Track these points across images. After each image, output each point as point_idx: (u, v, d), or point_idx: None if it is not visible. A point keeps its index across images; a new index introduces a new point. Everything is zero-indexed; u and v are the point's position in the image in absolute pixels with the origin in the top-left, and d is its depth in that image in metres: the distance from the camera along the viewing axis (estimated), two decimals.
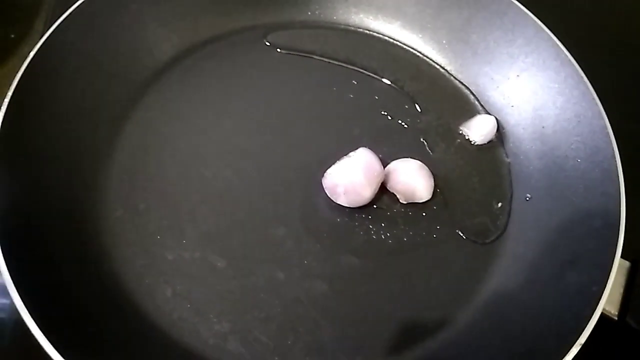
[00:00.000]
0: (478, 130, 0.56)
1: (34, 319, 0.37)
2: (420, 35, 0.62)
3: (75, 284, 0.44)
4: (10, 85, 0.46)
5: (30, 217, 0.44)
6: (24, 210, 0.44)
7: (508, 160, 0.55)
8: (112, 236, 0.48)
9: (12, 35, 0.65)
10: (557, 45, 0.54)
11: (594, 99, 0.51)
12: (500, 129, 0.57)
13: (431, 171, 0.52)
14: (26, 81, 0.47)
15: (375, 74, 0.60)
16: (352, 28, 0.63)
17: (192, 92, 0.56)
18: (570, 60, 0.53)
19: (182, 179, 0.51)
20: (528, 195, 0.52)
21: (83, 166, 0.50)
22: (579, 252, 0.46)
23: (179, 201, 0.50)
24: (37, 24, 0.66)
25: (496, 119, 0.57)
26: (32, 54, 0.48)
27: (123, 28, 0.55)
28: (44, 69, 0.49)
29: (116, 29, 0.54)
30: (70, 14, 0.51)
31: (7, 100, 0.45)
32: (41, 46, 0.49)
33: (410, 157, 0.53)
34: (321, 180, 0.50)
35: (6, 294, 0.44)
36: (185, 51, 0.59)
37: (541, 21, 0.55)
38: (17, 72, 0.47)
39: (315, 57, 0.60)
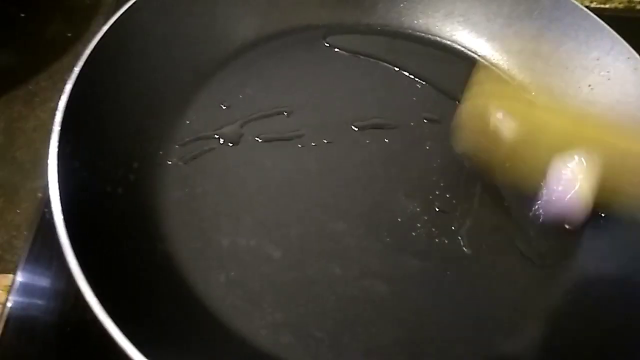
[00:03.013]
0: None
1: (92, 290, 0.35)
2: (489, 45, 0.61)
3: (132, 261, 0.42)
4: (66, 79, 0.46)
5: (92, 189, 0.43)
6: (84, 184, 0.43)
7: None
8: (168, 217, 0.46)
9: (69, 34, 0.66)
10: (636, 57, 0.52)
11: None
12: None
13: None
14: (96, 57, 0.47)
15: (434, 83, 0.58)
16: (418, 34, 0.62)
17: (253, 84, 0.56)
18: None
19: (241, 166, 0.50)
20: (602, 210, 0.50)
21: (144, 146, 0.49)
22: None
23: (237, 188, 0.49)
24: (94, 25, 0.67)
25: None
26: (102, 31, 0.48)
27: (195, 15, 0.55)
28: (115, 46, 0.49)
29: (188, 15, 0.54)
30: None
31: (76, 73, 0.45)
32: (112, 24, 0.48)
33: None
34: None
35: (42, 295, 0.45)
36: (250, 45, 0.58)
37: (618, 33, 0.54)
38: (77, 61, 0.46)
39: (374, 59, 0.59)
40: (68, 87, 0.44)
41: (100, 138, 0.46)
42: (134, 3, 0.50)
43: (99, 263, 0.39)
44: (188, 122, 0.52)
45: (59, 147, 0.41)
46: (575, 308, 0.45)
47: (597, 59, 0.55)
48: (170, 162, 0.49)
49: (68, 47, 0.65)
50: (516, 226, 0.49)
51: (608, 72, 0.54)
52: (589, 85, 0.55)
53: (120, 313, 0.36)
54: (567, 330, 0.44)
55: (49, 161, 0.40)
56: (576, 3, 0.56)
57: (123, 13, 0.50)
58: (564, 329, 0.44)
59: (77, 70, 0.45)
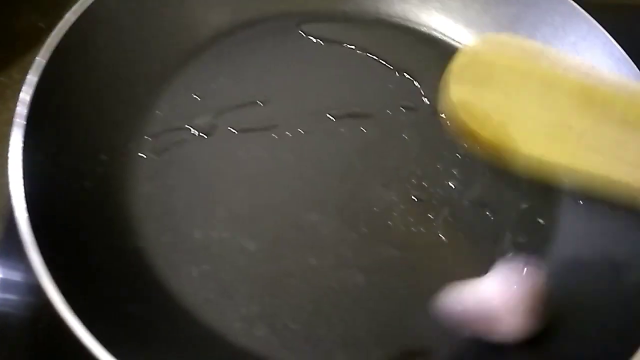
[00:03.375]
0: None
1: (58, 290, 0.34)
2: (466, 31, 0.60)
3: (98, 257, 0.41)
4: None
5: (57, 183, 0.42)
6: (50, 178, 0.42)
7: None
8: (139, 211, 0.45)
9: (41, 24, 0.64)
10: (612, 43, 0.52)
11: None
12: None
13: None
14: (62, 47, 0.45)
15: (411, 71, 0.57)
16: (395, 20, 0.61)
17: (227, 73, 0.54)
18: (626, 58, 0.50)
19: (214, 158, 0.49)
20: (580, 198, 0.49)
21: (113, 138, 0.48)
22: (635, 256, 0.43)
23: (210, 180, 0.48)
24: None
25: None
26: (67, 19, 0.46)
27: (165, 5, 0.53)
28: (82, 36, 0.47)
29: (158, 3, 0.53)
30: None
31: (42, 64, 0.44)
32: (81, 13, 0.47)
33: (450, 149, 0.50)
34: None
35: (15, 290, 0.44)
36: (223, 33, 0.57)
37: (596, 19, 0.53)
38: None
39: (350, 47, 0.58)
40: (32, 78, 0.43)
41: (67, 131, 0.45)
42: None
43: (65, 260, 0.38)
44: (159, 113, 0.51)
45: (24, 141, 0.40)
46: (556, 294, 0.44)
47: (574, 44, 0.54)
48: (140, 155, 0.48)
49: (40, 37, 0.63)
50: (494, 214, 0.49)
51: (584, 57, 0.53)
52: None
53: (87, 311, 0.35)
54: (549, 317, 0.43)
55: (10, 155, 0.38)
56: None
57: (91, 4, 0.48)
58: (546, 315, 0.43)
59: (42, 61, 0.44)
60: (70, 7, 0.63)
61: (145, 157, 0.48)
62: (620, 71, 0.51)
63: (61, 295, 0.34)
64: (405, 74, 0.57)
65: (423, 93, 0.56)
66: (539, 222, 0.49)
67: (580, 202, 0.49)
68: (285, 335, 0.41)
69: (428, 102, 0.55)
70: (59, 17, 0.64)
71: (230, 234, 0.45)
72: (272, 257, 0.44)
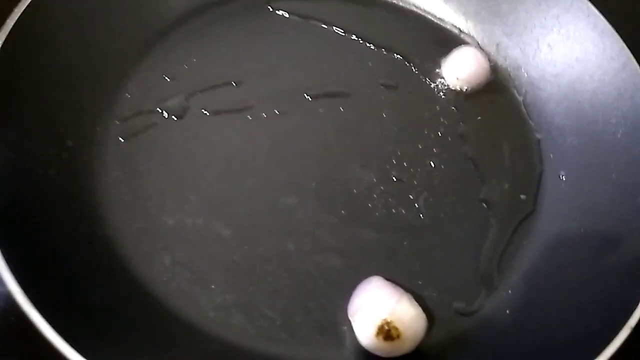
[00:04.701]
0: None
1: (18, 282, 0.33)
2: (446, 6, 0.58)
3: (64, 247, 0.39)
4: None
5: (20, 170, 0.40)
6: (12, 165, 0.40)
7: (539, 136, 0.51)
8: (108, 198, 0.44)
9: None
10: (596, 14, 0.50)
11: (635, 70, 0.47)
12: (530, 102, 0.53)
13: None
14: (20, 29, 0.43)
15: (390, 47, 0.55)
16: None
17: (199, 53, 0.52)
18: (610, 30, 0.49)
19: (187, 142, 0.47)
20: (562, 173, 0.48)
21: (79, 122, 0.46)
22: (621, 231, 0.42)
23: (183, 164, 0.46)
24: None
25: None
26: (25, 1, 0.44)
27: None
28: (42, 16, 0.45)
29: None
30: None
31: None
32: None
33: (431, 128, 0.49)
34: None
35: None
36: (194, 11, 0.55)
37: None
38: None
39: (327, 25, 0.56)
40: None
41: (29, 116, 0.43)
42: None
43: (28, 251, 0.36)
44: (128, 95, 0.49)
45: None
46: (539, 272, 0.44)
47: (557, 17, 0.53)
48: (109, 139, 0.46)
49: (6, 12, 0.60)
50: (476, 194, 0.47)
51: (567, 30, 0.52)
52: (548, 45, 0.53)
53: (50, 303, 0.34)
54: (532, 293, 0.42)
55: None
56: None
57: None
58: (529, 292, 0.43)
59: None
60: None
61: (114, 141, 0.46)
62: (604, 43, 0.49)
63: (21, 287, 0.33)
64: (383, 50, 0.55)
65: (402, 70, 0.54)
66: (521, 199, 0.48)
67: (562, 177, 0.48)
68: (262, 323, 0.40)
69: (407, 79, 0.53)
70: None
71: (204, 220, 0.44)
72: (248, 243, 0.43)
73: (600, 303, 0.38)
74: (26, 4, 0.44)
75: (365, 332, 0.37)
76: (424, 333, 0.38)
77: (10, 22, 0.43)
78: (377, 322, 0.36)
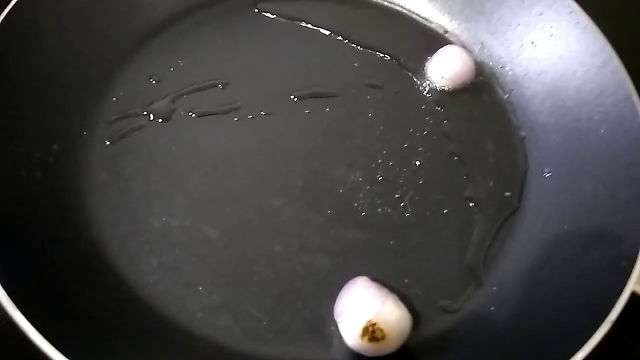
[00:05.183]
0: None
1: (4, 287, 0.33)
2: (430, 5, 0.58)
3: (51, 251, 0.40)
4: None
5: (4, 174, 0.40)
6: None
7: (523, 134, 0.52)
8: (94, 200, 0.44)
9: None
10: (579, 11, 0.51)
11: (618, 67, 0.47)
12: (514, 100, 0.53)
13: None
14: (4, 32, 0.43)
15: (375, 47, 0.55)
16: None
17: (185, 55, 0.52)
18: (592, 27, 0.49)
19: (173, 144, 0.48)
20: (547, 170, 0.49)
21: (65, 125, 0.46)
22: (604, 226, 0.42)
23: (169, 167, 0.46)
24: None
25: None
26: (12, 1, 0.44)
27: None
28: (25, 20, 0.45)
29: None
30: None
31: None
32: None
33: (416, 127, 0.49)
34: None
35: None
36: (180, 13, 0.55)
37: None
38: None
39: (313, 26, 0.56)
40: None
41: (14, 120, 0.43)
42: None
43: (13, 254, 0.36)
44: (114, 98, 0.49)
45: None
46: (524, 269, 0.44)
47: (540, 15, 0.53)
48: (95, 143, 0.46)
49: None
50: (462, 192, 0.48)
51: (551, 27, 0.52)
52: (532, 42, 0.53)
53: (35, 307, 0.34)
54: (517, 289, 0.43)
55: None
56: None
57: None
58: (514, 289, 0.43)
59: None
60: None
61: (100, 144, 0.47)
62: (586, 40, 0.50)
63: (7, 290, 0.33)
64: (369, 50, 0.55)
65: (388, 69, 0.54)
66: (506, 196, 0.48)
67: (546, 174, 0.48)
68: (249, 323, 0.40)
69: (393, 79, 0.54)
70: None
71: (191, 221, 0.44)
72: (235, 244, 0.43)
73: (584, 298, 0.38)
74: (11, 6, 0.44)
75: (350, 334, 0.37)
76: (409, 333, 0.38)
77: None
78: (362, 324, 0.36)
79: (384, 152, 0.49)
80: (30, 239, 0.39)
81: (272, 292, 0.41)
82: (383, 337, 0.36)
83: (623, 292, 0.36)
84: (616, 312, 0.35)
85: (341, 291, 0.40)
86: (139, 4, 0.53)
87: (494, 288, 0.43)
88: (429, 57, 0.55)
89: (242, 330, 0.40)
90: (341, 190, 0.46)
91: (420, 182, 0.48)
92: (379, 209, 0.46)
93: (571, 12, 0.51)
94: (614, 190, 0.43)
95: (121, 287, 0.40)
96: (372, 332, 0.36)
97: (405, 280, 0.42)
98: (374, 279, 0.41)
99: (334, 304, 0.40)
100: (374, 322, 0.36)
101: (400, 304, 0.38)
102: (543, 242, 0.45)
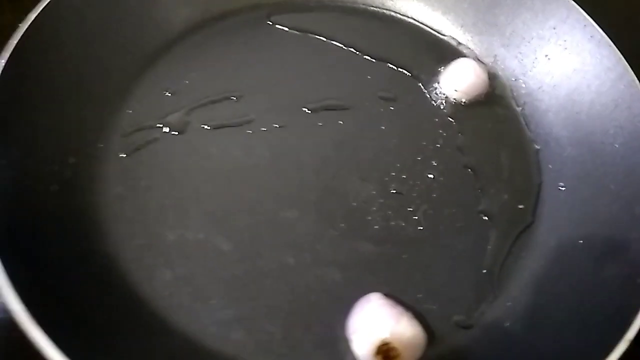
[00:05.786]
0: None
1: (19, 299, 0.33)
2: (444, 18, 0.58)
3: (66, 263, 0.40)
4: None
5: (22, 188, 0.41)
6: (15, 182, 0.41)
7: (537, 147, 0.51)
8: (109, 214, 0.44)
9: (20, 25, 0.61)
10: (592, 25, 0.50)
11: (632, 81, 0.47)
12: (528, 113, 0.53)
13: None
14: (23, 46, 0.44)
15: (389, 59, 0.56)
16: (372, 8, 0.60)
17: (199, 68, 0.53)
18: (606, 41, 0.49)
19: (187, 156, 0.48)
20: (561, 184, 0.48)
21: (81, 138, 0.46)
22: (619, 242, 0.42)
23: (184, 179, 0.47)
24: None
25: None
26: (32, 17, 0.45)
27: None
28: (45, 34, 0.45)
29: None
30: None
31: (1, 64, 0.42)
32: (42, 10, 0.45)
33: (430, 140, 0.49)
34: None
35: None
36: (195, 26, 0.55)
37: (575, 1, 0.52)
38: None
39: (326, 38, 0.57)
40: None
41: (32, 133, 0.43)
42: None
43: (29, 267, 0.37)
44: (130, 111, 0.50)
45: None
46: (538, 284, 0.44)
47: (554, 28, 0.53)
48: (111, 155, 0.47)
49: None
50: (475, 206, 0.47)
51: (565, 41, 0.52)
52: (546, 56, 0.53)
53: (52, 320, 0.34)
54: (531, 305, 0.42)
55: None
56: None
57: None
58: (528, 304, 0.43)
59: (2, 61, 0.42)
60: None
61: (115, 157, 0.47)
62: (601, 54, 0.49)
63: (23, 303, 0.33)
64: (383, 62, 0.55)
65: (401, 82, 0.54)
66: (520, 210, 0.48)
67: (561, 187, 0.48)
68: (262, 337, 0.40)
69: (406, 91, 0.54)
70: None
71: (205, 234, 0.44)
72: (248, 257, 0.43)
73: (600, 315, 0.38)
74: (29, 22, 0.44)
75: (364, 352, 0.37)
76: (422, 351, 0.38)
77: (14, 40, 0.43)
78: (376, 343, 0.36)
79: (397, 165, 0.49)
80: (46, 251, 0.39)
81: (285, 306, 0.41)
82: (397, 357, 0.36)
83: (639, 311, 0.36)
84: (633, 330, 0.35)
85: (355, 308, 0.40)
86: (155, 18, 0.53)
87: (508, 303, 0.43)
88: (442, 70, 0.55)
89: (255, 344, 0.40)
90: (354, 204, 0.46)
91: (434, 195, 0.48)
92: (392, 223, 0.46)
93: (585, 25, 0.51)
94: (629, 206, 0.43)
95: (135, 300, 0.40)
96: (385, 352, 0.36)
97: (419, 295, 0.42)
98: (388, 294, 0.41)
99: (346, 318, 0.40)
100: (387, 341, 0.36)
101: (415, 322, 0.38)
102: (558, 256, 0.44)
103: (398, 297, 0.41)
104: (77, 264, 0.40)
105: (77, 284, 0.39)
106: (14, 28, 0.60)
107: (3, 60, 0.42)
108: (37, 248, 0.39)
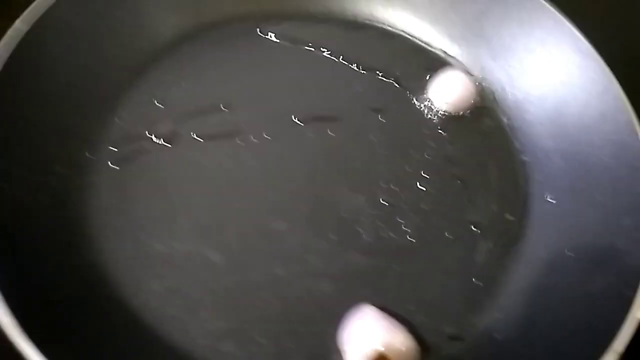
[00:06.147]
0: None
1: (6, 310, 0.33)
2: (432, 29, 0.59)
3: (53, 273, 0.39)
4: None
5: (7, 198, 0.40)
6: (2, 191, 0.40)
7: (525, 158, 0.52)
8: (97, 223, 0.43)
9: None
10: (579, 38, 0.51)
11: (619, 93, 0.48)
12: (515, 124, 0.53)
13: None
14: (12, 55, 0.43)
15: (378, 71, 0.56)
16: (361, 20, 0.60)
17: (189, 77, 0.53)
18: (592, 54, 0.50)
19: (177, 167, 0.48)
20: (548, 195, 0.49)
21: (70, 149, 0.46)
22: (607, 253, 0.42)
23: (173, 190, 0.46)
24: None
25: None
26: (16, 27, 0.44)
27: (121, 8, 0.51)
28: (31, 45, 0.45)
29: (114, 8, 0.51)
30: None
31: None
32: (28, 19, 0.45)
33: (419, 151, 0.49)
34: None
35: None
36: (185, 36, 0.55)
37: (562, 13, 0.52)
38: None
39: (316, 49, 0.57)
40: None
41: (17, 142, 0.43)
42: None
43: (16, 278, 0.36)
44: (118, 120, 0.49)
45: None
46: (528, 295, 0.44)
47: (540, 40, 0.54)
48: (99, 165, 0.46)
49: None
50: (465, 217, 0.48)
51: (551, 53, 0.53)
52: (533, 67, 0.54)
53: (38, 332, 0.33)
54: (521, 316, 0.43)
55: None
56: None
57: (42, 4, 0.46)
58: (518, 315, 0.43)
59: None
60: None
61: (103, 166, 0.46)
62: (587, 66, 0.50)
63: (10, 314, 0.33)
64: (372, 73, 0.56)
65: (391, 93, 0.55)
66: (509, 221, 0.48)
67: (549, 198, 0.49)
68: (253, 350, 0.40)
69: (396, 103, 0.54)
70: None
71: (194, 245, 0.44)
72: (238, 268, 0.43)
73: (588, 326, 0.39)
74: (18, 32, 0.44)
75: None
76: None
77: (2, 51, 0.43)
78: (370, 354, 0.36)
79: (387, 176, 0.49)
80: (33, 262, 0.38)
81: (276, 317, 0.41)
82: None
83: (626, 322, 0.36)
84: (622, 342, 0.35)
85: (347, 319, 0.40)
86: (144, 27, 0.53)
87: (499, 315, 0.43)
88: (431, 81, 0.55)
89: (245, 356, 0.39)
90: (344, 215, 0.47)
91: (423, 206, 0.48)
92: (382, 234, 0.46)
93: (572, 37, 0.52)
94: (616, 217, 0.43)
95: (124, 312, 0.40)
96: None
97: (410, 307, 0.42)
98: (379, 306, 0.41)
99: (337, 330, 0.40)
100: (382, 353, 0.36)
101: (407, 335, 0.38)
102: (546, 267, 0.45)
103: (389, 309, 0.41)
104: (65, 275, 0.40)
105: (65, 295, 0.38)
106: (2, 34, 0.60)
107: None
108: (23, 259, 0.38)
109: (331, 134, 0.51)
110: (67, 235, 0.42)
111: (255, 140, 0.50)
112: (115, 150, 0.48)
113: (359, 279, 0.44)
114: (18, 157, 0.42)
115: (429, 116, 0.54)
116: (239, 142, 0.50)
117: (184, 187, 0.47)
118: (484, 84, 0.56)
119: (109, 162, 0.47)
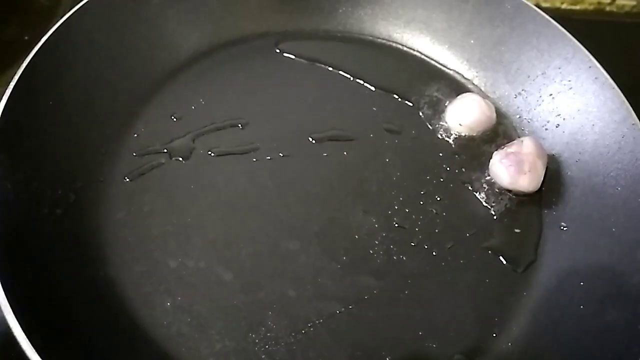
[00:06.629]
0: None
1: (18, 321, 0.33)
2: (450, 52, 0.59)
3: (66, 287, 0.40)
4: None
5: (26, 212, 0.41)
6: (20, 203, 0.41)
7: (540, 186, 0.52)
8: (111, 238, 0.44)
9: (26, 37, 0.62)
10: (597, 67, 0.51)
11: (635, 123, 0.47)
12: None
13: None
14: (33, 69, 0.44)
15: (395, 92, 0.56)
16: (379, 40, 0.60)
17: (206, 94, 0.53)
18: (610, 83, 0.50)
19: (191, 183, 0.48)
20: (563, 224, 0.48)
21: (87, 162, 0.47)
22: (621, 286, 0.42)
23: (187, 206, 0.47)
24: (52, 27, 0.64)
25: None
26: (42, 40, 0.45)
27: (142, 23, 0.53)
28: (54, 57, 0.46)
29: (135, 23, 0.52)
30: (88, 2, 0.48)
31: (11, 87, 0.42)
32: (53, 32, 0.46)
33: (433, 174, 0.49)
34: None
35: None
36: (203, 53, 0.56)
37: (581, 43, 0.52)
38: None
39: (333, 68, 0.57)
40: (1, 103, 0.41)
41: (38, 156, 0.43)
42: (77, 9, 0.48)
43: (30, 290, 0.37)
44: (136, 135, 0.50)
45: None
46: (539, 325, 0.43)
47: (559, 68, 0.54)
48: (115, 179, 0.47)
49: (25, 50, 0.61)
50: (476, 241, 0.48)
51: (569, 81, 0.53)
52: (550, 95, 0.54)
53: (49, 346, 0.33)
54: (532, 346, 0.42)
55: None
56: (538, 10, 0.55)
57: (65, 20, 0.47)
58: (528, 344, 0.42)
59: (12, 85, 0.42)
60: (57, 19, 0.62)
61: (120, 181, 0.47)
62: (605, 95, 0.50)
63: (22, 326, 0.33)
64: (388, 94, 0.56)
65: (406, 115, 0.55)
66: (523, 248, 0.48)
67: (563, 228, 0.48)
68: None
69: (411, 124, 0.54)
70: (45, 29, 0.63)
71: (206, 263, 0.44)
72: (249, 288, 0.43)
73: (599, 358, 0.38)
74: (38, 47, 0.45)
75: None
76: None
77: (23, 64, 0.44)
78: None
79: (401, 198, 0.49)
80: (48, 275, 0.39)
81: (285, 339, 0.41)
82: None
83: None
84: None
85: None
86: (164, 43, 0.54)
87: (509, 344, 0.42)
88: (447, 104, 0.55)
89: None
90: (357, 237, 0.46)
91: (436, 230, 0.48)
92: (394, 257, 0.46)
93: (590, 67, 0.51)
94: (631, 250, 0.43)
95: (134, 327, 0.40)
96: None
97: (420, 332, 0.42)
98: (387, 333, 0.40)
99: (346, 354, 0.40)
100: None
101: None
102: (559, 297, 0.44)
103: (398, 334, 0.41)
104: (78, 288, 0.40)
105: (77, 308, 0.39)
106: (21, 41, 0.61)
107: (13, 83, 0.42)
108: (37, 271, 0.38)
109: (346, 154, 0.51)
110: (81, 249, 0.42)
111: (270, 159, 0.50)
112: (132, 164, 0.48)
113: (369, 302, 0.43)
114: (39, 171, 0.43)
115: (445, 139, 0.54)
116: (254, 159, 0.50)
117: (197, 204, 0.47)
118: (500, 109, 0.56)
119: (125, 177, 0.47)
